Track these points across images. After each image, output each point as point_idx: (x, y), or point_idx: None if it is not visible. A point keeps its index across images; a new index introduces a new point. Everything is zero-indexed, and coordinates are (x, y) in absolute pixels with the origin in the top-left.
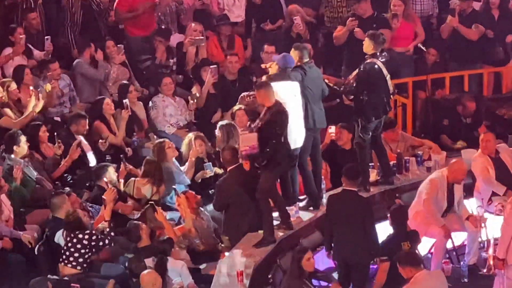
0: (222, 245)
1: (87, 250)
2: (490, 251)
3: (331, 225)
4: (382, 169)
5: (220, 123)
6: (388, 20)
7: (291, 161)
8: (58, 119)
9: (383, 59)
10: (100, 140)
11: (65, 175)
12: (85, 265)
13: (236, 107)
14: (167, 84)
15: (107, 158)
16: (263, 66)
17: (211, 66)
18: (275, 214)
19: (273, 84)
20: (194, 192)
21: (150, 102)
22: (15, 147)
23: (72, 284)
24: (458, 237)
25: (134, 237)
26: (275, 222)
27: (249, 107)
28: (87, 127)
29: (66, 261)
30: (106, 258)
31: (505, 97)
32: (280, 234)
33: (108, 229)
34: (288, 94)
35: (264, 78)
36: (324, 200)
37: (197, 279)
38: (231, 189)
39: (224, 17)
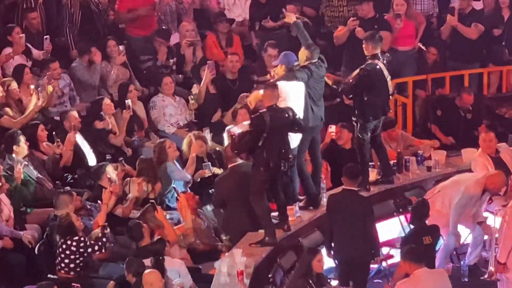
0: (222, 244)
1: (77, 256)
2: (491, 262)
3: (331, 225)
4: (382, 168)
5: (228, 127)
6: (389, 23)
7: (283, 162)
8: (58, 118)
9: (385, 60)
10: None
11: (65, 174)
12: (78, 269)
13: (238, 105)
14: (167, 84)
15: (107, 157)
16: (269, 76)
17: (208, 62)
18: (274, 214)
19: (283, 83)
20: (193, 193)
21: (150, 102)
22: (14, 147)
23: (73, 284)
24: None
25: (136, 236)
26: (274, 222)
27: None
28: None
29: (59, 267)
30: (106, 258)
31: (506, 96)
32: (280, 234)
33: (100, 235)
34: (294, 94)
35: (275, 77)
36: (324, 200)
37: (197, 278)
38: (230, 186)
39: (221, 14)
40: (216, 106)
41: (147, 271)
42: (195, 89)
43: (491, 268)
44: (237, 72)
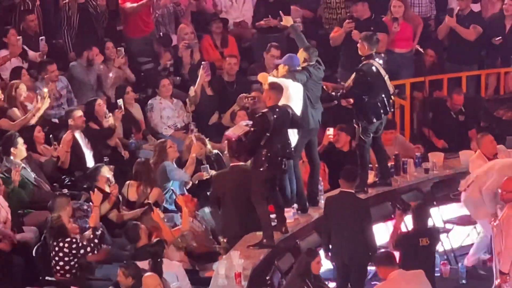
0: (220, 246)
1: (71, 258)
2: (496, 274)
3: (329, 227)
4: (380, 170)
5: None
6: (385, 24)
7: (284, 161)
8: (56, 121)
9: (380, 60)
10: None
11: (63, 176)
12: (74, 271)
13: (237, 107)
14: (165, 86)
15: (104, 159)
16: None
17: (203, 62)
18: (272, 216)
19: (289, 81)
20: (191, 195)
21: (148, 104)
22: (12, 149)
23: (72, 287)
24: (456, 238)
25: (133, 237)
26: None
27: (250, 108)
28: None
29: (55, 269)
30: (103, 259)
31: (503, 98)
32: (278, 236)
33: (91, 236)
34: (295, 95)
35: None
36: (322, 202)
37: (194, 281)
38: (227, 183)
39: (215, 15)
40: (214, 108)
41: (146, 274)
42: (192, 92)
43: (497, 281)
44: (235, 74)
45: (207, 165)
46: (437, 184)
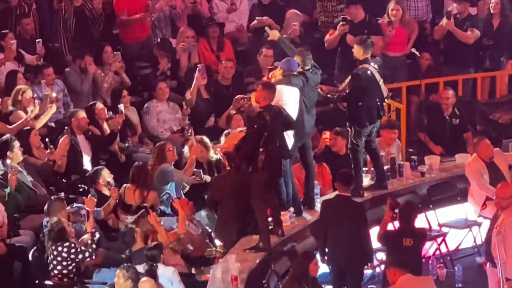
0: (216, 249)
1: (69, 262)
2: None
3: (325, 230)
4: (376, 173)
5: (226, 131)
6: (380, 26)
7: (282, 161)
8: (53, 124)
9: (376, 64)
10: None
11: (59, 179)
12: (71, 275)
13: (232, 111)
14: (161, 89)
15: (101, 163)
16: (265, 78)
17: (198, 65)
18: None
19: (281, 87)
20: (187, 199)
21: (144, 108)
22: (8, 153)
23: None
24: (453, 242)
25: (129, 240)
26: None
27: (245, 110)
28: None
29: (52, 273)
30: (100, 263)
31: (499, 102)
32: (274, 239)
33: (89, 241)
34: (290, 99)
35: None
36: (318, 205)
37: (191, 284)
38: (222, 189)
39: (211, 19)
40: (210, 112)
41: (142, 279)
42: (188, 95)
43: None
44: (231, 78)
45: (200, 170)
46: (433, 187)
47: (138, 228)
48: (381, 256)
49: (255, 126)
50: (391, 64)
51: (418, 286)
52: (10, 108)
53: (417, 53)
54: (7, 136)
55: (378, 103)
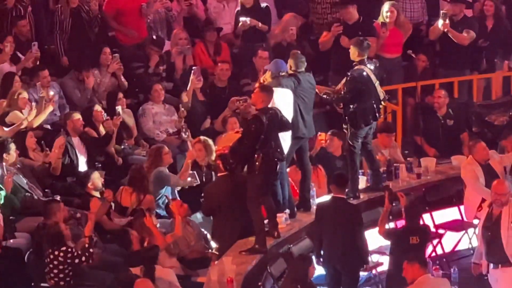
0: (212, 252)
1: (65, 266)
2: None
3: (320, 232)
4: (372, 175)
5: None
6: (374, 27)
7: (278, 163)
8: (48, 126)
9: (372, 66)
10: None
11: (55, 182)
12: (68, 278)
13: (228, 113)
14: (157, 91)
15: (97, 165)
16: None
17: (193, 68)
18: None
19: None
20: (181, 201)
21: (140, 110)
22: (4, 155)
23: None
24: (449, 244)
25: (124, 243)
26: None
27: (241, 112)
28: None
29: (49, 276)
30: (97, 266)
31: (495, 104)
32: (270, 241)
33: (87, 245)
34: (280, 101)
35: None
36: (314, 207)
37: (187, 286)
38: (218, 196)
39: (209, 23)
40: (205, 114)
41: (138, 280)
42: (184, 97)
43: None
44: (227, 80)
45: (194, 172)
46: (429, 189)
47: (133, 231)
48: (376, 258)
49: (252, 129)
50: (386, 66)
51: (438, 286)
52: (6, 110)
53: (413, 55)
54: (4, 138)
55: (374, 105)
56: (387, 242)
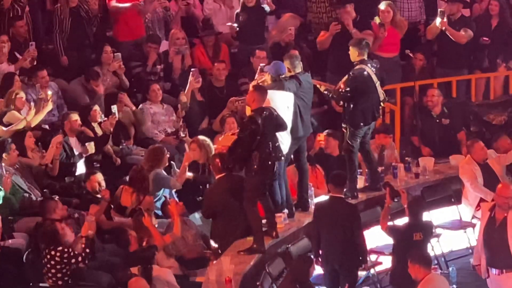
0: (211, 251)
1: (62, 266)
2: None
3: (319, 232)
4: (370, 175)
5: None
6: (371, 26)
7: (276, 163)
8: (47, 126)
9: (373, 66)
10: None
11: (53, 182)
12: (66, 278)
13: (226, 114)
14: (154, 91)
15: (95, 165)
16: (254, 82)
17: (192, 69)
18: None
19: (271, 92)
20: (176, 200)
21: (138, 109)
22: (4, 155)
23: None
24: (447, 243)
25: (123, 242)
26: (263, 229)
27: (238, 112)
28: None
29: (47, 276)
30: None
31: (493, 103)
32: (268, 241)
33: (83, 246)
34: (282, 104)
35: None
36: (312, 207)
37: (185, 286)
38: (219, 198)
39: (207, 27)
40: (204, 114)
41: (132, 279)
42: (183, 97)
43: None
44: (224, 80)
45: (173, 162)
46: (428, 188)
47: (132, 231)
48: (375, 257)
49: (248, 131)
50: (384, 66)
51: (443, 286)
52: (4, 109)
53: (411, 54)
54: (3, 138)
55: (374, 105)
56: (385, 242)
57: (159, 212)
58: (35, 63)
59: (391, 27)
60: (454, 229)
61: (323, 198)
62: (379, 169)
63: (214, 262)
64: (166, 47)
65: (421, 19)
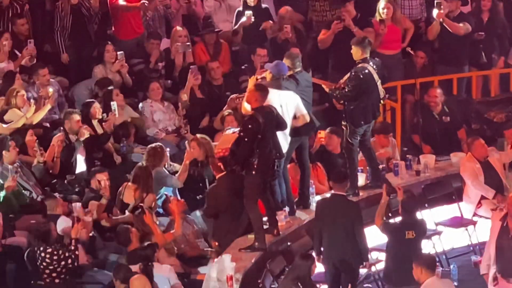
0: (212, 249)
1: (55, 265)
2: None
3: (320, 230)
4: (371, 173)
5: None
6: (371, 23)
7: (276, 162)
8: (47, 124)
9: (374, 64)
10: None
11: (54, 180)
12: (62, 276)
13: (226, 112)
14: (154, 90)
15: (96, 163)
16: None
17: (191, 67)
18: (264, 219)
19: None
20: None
21: (139, 107)
22: (4, 152)
23: None
24: (448, 241)
25: (124, 240)
26: (265, 226)
27: (239, 110)
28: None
29: (44, 275)
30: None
31: (494, 100)
32: (269, 239)
33: (72, 247)
34: (275, 102)
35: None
36: (313, 204)
37: (186, 284)
38: (221, 197)
39: (208, 25)
40: (204, 111)
41: (134, 276)
42: (183, 96)
43: None
44: (223, 78)
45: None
46: (429, 186)
47: (133, 228)
48: (376, 255)
49: (249, 130)
50: (386, 63)
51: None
52: (4, 107)
53: (411, 52)
54: (3, 135)
55: (374, 103)
56: (386, 239)
57: (160, 210)
58: (34, 61)
59: (391, 24)
60: (455, 226)
61: (324, 195)
62: (380, 166)
63: (215, 260)
64: (167, 45)
65: (422, 17)
